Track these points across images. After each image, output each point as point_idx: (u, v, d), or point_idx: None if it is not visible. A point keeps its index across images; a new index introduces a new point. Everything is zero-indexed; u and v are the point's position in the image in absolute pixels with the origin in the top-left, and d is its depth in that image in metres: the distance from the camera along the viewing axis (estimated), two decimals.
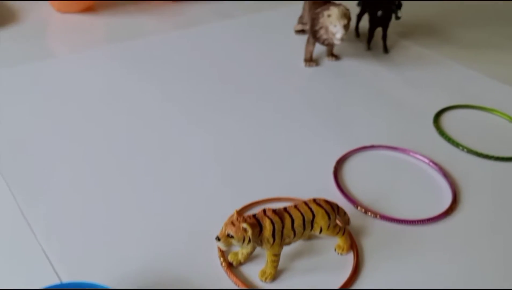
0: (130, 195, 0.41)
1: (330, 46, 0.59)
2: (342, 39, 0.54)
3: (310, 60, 0.59)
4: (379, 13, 0.62)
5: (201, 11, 0.74)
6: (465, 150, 0.48)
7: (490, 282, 0.35)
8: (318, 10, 0.56)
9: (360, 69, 0.62)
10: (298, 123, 0.51)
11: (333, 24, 0.53)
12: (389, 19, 0.62)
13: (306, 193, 0.39)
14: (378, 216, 0.40)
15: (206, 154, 0.46)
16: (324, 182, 0.43)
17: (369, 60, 0.64)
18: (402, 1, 0.60)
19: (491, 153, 0.48)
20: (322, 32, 0.55)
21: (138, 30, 0.67)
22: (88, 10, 0.71)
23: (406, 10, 0.72)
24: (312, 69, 0.61)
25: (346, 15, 0.54)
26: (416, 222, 0.40)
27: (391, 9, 0.60)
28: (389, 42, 0.67)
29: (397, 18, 0.60)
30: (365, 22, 0.67)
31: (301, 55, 0.63)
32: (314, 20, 0.56)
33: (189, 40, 0.66)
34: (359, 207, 0.41)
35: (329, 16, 0.53)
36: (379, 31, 0.64)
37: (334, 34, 0.54)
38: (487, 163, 0.47)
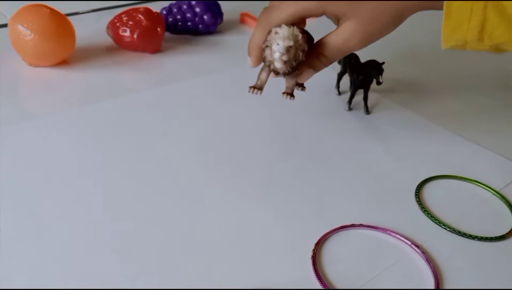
0: (90, 272, 0.39)
1: (275, 73, 0.47)
2: (283, 62, 0.44)
3: (254, 87, 0.47)
4: (360, 77, 0.61)
5: (179, 65, 0.73)
6: (448, 229, 0.47)
7: None
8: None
9: (340, 133, 0.60)
10: (272, 202, 0.49)
11: (276, 42, 0.43)
12: (370, 82, 0.61)
13: (281, 283, 0.37)
14: None
15: (175, 232, 0.44)
16: (303, 269, 0.41)
17: (349, 121, 0.62)
18: (383, 67, 0.59)
19: (475, 232, 0.46)
20: (267, 52, 0.44)
21: (114, 87, 0.66)
22: (62, 63, 0.69)
23: (392, 67, 0.72)
24: (292, 131, 0.59)
25: (295, 37, 0.44)
26: None
27: (372, 75, 0.59)
28: (371, 102, 0.66)
29: (378, 83, 0.59)
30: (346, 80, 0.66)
31: (281, 116, 0.62)
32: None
33: (167, 98, 0.64)
34: None
35: (276, 33, 0.43)
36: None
37: (274, 53, 0.43)
38: (472, 244, 0.46)
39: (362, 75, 0.61)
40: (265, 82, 0.49)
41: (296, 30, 0.44)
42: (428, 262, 0.43)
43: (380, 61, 0.60)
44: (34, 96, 0.63)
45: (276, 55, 0.44)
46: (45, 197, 0.47)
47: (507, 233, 0.47)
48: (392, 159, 0.56)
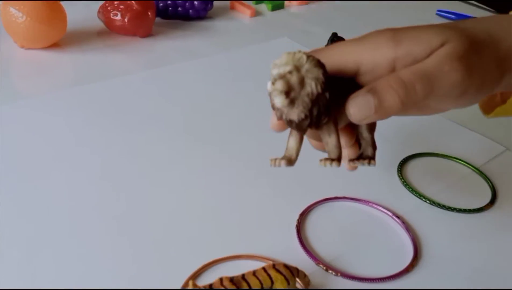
0: (80, 244, 0.40)
1: (298, 129, 0.33)
2: (279, 93, 0.30)
3: (283, 158, 0.35)
4: None
5: (171, 48, 0.74)
6: (428, 201, 0.48)
7: None
8: None
9: None
10: (259, 174, 0.50)
11: (271, 76, 0.30)
12: None
13: (268, 250, 0.38)
14: (339, 274, 0.40)
15: (163, 210, 0.45)
16: (287, 237, 0.43)
17: None
18: None
19: (453, 205, 0.48)
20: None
21: (105, 69, 0.67)
22: (53, 46, 0.70)
23: None
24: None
25: (297, 61, 0.30)
26: (376, 280, 0.40)
27: None
28: None
29: None
30: None
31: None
32: None
33: (157, 81, 0.65)
34: (320, 265, 0.40)
35: (274, 66, 0.31)
36: None
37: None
38: (450, 216, 0.47)
39: None
40: (296, 151, 0.35)
41: (299, 53, 0.30)
42: (407, 231, 0.44)
43: None
44: (25, 77, 0.64)
45: (268, 87, 0.30)
46: (37, 174, 0.48)
47: (485, 206, 0.49)
48: (376, 137, 0.58)
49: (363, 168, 0.49)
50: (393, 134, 0.59)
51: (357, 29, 0.73)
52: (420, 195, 0.49)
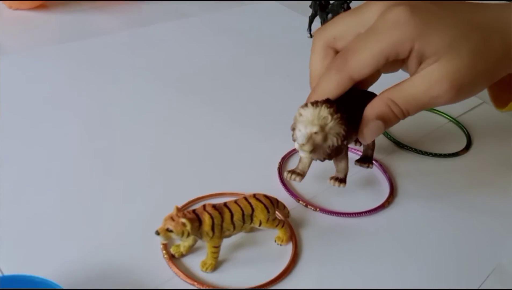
0: (72, 187, 0.42)
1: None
2: (306, 153, 0.36)
3: (293, 172, 0.40)
4: (329, 16, 0.64)
5: (157, 10, 0.75)
6: (406, 147, 0.50)
7: (418, 271, 0.37)
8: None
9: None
10: (245, 121, 0.52)
11: (298, 128, 0.36)
12: None
13: (251, 189, 0.40)
14: (317, 209, 0.42)
15: (151, 152, 0.47)
16: (269, 178, 0.45)
17: None
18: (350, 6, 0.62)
19: (429, 150, 0.50)
20: (293, 132, 0.37)
21: (91, 29, 0.68)
22: (40, 7, 0.70)
23: None
24: (264, 68, 0.62)
25: (322, 120, 0.35)
26: (353, 215, 0.42)
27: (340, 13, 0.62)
28: None
29: None
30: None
31: (256, 56, 0.64)
32: None
33: (142, 39, 0.67)
34: (300, 201, 0.42)
35: (300, 115, 0.36)
36: None
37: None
38: (426, 159, 0.49)
39: (331, 13, 0.64)
40: (308, 167, 0.40)
41: (324, 110, 0.35)
42: (384, 172, 0.46)
43: None
44: (13, 35, 0.65)
45: (296, 145, 0.36)
46: (26, 125, 0.49)
47: (460, 151, 0.51)
48: None
49: None
50: (375, 86, 0.60)
51: None
52: (398, 142, 0.51)
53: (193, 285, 0.34)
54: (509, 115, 0.57)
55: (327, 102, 0.36)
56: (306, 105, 0.36)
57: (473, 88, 0.36)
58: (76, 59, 0.60)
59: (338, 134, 0.36)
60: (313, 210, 0.42)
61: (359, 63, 0.36)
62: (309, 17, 0.70)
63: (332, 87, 0.37)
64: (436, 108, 0.57)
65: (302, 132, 0.35)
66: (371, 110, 0.37)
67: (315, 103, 0.35)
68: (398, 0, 0.36)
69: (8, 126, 0.48)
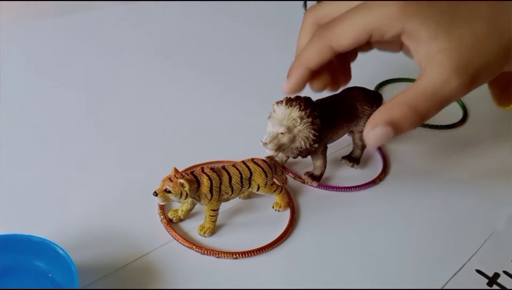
0: (72, 153, 0.42)
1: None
2: (268, 149, 0.36)
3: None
4: None
5: None
6: None
7: (414, 236, 0.37)
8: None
9: None
10: (241, 92, 0.52)
11: (267, 124, 0.36)
12: None
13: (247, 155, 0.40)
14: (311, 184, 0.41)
15: (150, 121, 0.47)
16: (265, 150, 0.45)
17: None
18: None
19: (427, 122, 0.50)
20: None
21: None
22: None
23: None
24: (259, 52, 0.62)
25: (292, 121, 0.35)
26: (345, 189, 0.41)
27: None
28: None
29: None
30: None
31: (253, 31, 0.64)
32: None
33: (139, 13, 0.66)
34: (297, 178, 0.42)
35: (273, 111, 0.36)
36: None
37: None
38: (422, 132, 0.50)
39: None
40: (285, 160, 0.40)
41: (295, 112, 0.34)
42: (379, 149, 0.46)
43: None
44: (8, 8, 0.64)
45: (261, 142, 0.35)
46: (26, 94, 0.49)
47: (456, 123, 0.51)
48: (352, 64, 0.59)
49: None
50: (369, 60, 0.60)
51: None
52: None
53: (191, 248, 0.34)
54: None
55: (304, 102, 0.36)
56: (281, 101, 0.36)
57: (489, 74, 0.33)
58: (71, 33, 0.60)
59: (307, 137, 0.36)
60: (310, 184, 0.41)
61: (341, 33, 0.34)
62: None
63: (312, 54, 0.35)
64: None
65: (269, 130, 0.35)
66: (380, 115, 0.32)
67: (290, 101, 0.35)
68: None
69: (9, 94, 0.48)
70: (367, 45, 0.36)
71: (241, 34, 0.64)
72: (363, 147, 0.43)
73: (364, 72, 0.57)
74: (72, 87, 0.50)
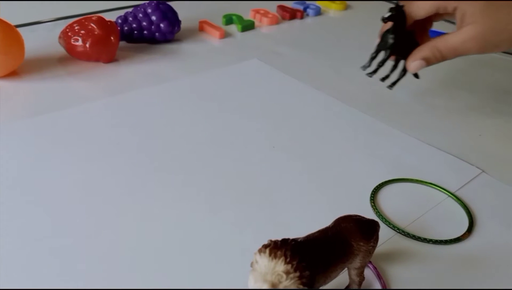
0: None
1: None
2: None
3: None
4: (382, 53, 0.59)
5: (136, 73, 0.71)
6: (402, 233, 0.46)
7: None
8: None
9: (297, 137, 0.59)
10: (224, 208, 0.48)
11: (249, 278, 0.32)
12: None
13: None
14: None
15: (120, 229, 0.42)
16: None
17: (307, 125, 0.62)
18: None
19: (430, 235, 0.46)
20: None
21: (66, 97, 0.64)
22: (11, 74, 0.67)
23: (347, 71, 0.72)
24: (246, 138, 0.59)
25: (277, 277, 0.31)
26: None
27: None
28: (325, 103, 0.65)
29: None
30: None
31: (236, 123, 0.61)
32: None
33: (120, 107, 0.63)
34: None
35: (256, 262, 0.32)
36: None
37: None
38: (426, 248, 0.45)
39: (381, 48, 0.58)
40: None
41: (280, 266, 0.31)
42: (379, 278, 0.41)
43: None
44: None
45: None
46: None
47: (462, 235, 0.47)
48: (348, 162, 0.56)
49: (335, 199, 0.47)
50: (366, 158, 0.56)
51: (328, 49, 0.72)
52: (394, 226, 0.47)
53: None
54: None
55: (291, 250, 0.31)
56: (264, 250, 0.31)
57: (495, 48, 0.53)
58: (48, 132, 0.56)
59: None
60: None
61: (417, 14, 0.55)
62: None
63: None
64: (433, 182, 0.53)
65: (251, 286, 0.31)
66: (419, 53, 0.55)
67: (274, 251, 0.31)
68: None
69: None
70: (435, 16, 0.56)
71: (227, 127, 0.61)
72: (360, 282, 0.39)
73: (363, 172, 0.53)
74: (43, 196, 0.46)
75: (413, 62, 0.55)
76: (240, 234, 0.45)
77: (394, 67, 0.59)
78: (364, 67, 0.59)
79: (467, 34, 0.52)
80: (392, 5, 0.55)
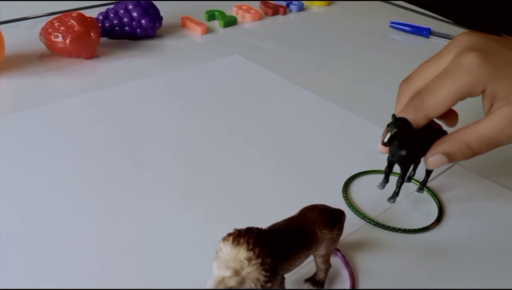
0: None
1: None
2: None
3: None
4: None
5: (116, 69, 0.72)
6: (372, 222, 0.47)
7: None
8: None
9: (274, 130, 0.60)
10: (199, 204, 0.49)
11: (213, 265, 0.32)
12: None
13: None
14: None
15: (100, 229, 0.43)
16: None
17: (284, 121, 0.62)
18: None
19: (400, 225, 0.47)
20: None
21: (46, 94, 0.64)
22: None
23: (331, 67, 0.73)
24: (225, 134, 0.59)
25: (239, 263, 0.31)
26: None
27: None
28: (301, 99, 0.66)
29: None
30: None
31: (215, 120, 0.61)
32: None
33: (99, 103, 0.63)
34: None
35: (220, 250, 0.32)
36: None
37: None
38: (395, 237, 0.46)
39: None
40: None
41: (243, 252, 0.31)
42: (347, 265, 0.42)
43: None
44: None
45: (207, 285, 0.31)
46: None
47: (430, 225, 0.48)
48: (325, 156, 0.57)
49: (308, 191, 0.48)
50: (342, 153, 0.57)
51: (310, 45, 0.72)
52: (364, 216, 0.48)
53: None
54: (480, 175, 0.54)
55: (254, 238, 0.32)
56: (228, 238, 0.32)
57: None
58: (26, 128, 0.57)
59: (258, 279, 0.32)
60: None
61: (435, 103, 0.41)
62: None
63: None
64: None
65: (214, 273, 0.32)
66: (440, 146, 0.42)
67: (238, 238, 0.32)
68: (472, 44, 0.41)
69: None
70: None
71: (204, 123, 0.61)
72: (326, 269, 0.40)
73: (334, 166, 0.54)
74: (13, 199, 0.47)
75: (432, 158, 0.42)
76: (213, 227, 0.46)
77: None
78: (382, 187, 0.47)
79: (503, 119, 0.39)
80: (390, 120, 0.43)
